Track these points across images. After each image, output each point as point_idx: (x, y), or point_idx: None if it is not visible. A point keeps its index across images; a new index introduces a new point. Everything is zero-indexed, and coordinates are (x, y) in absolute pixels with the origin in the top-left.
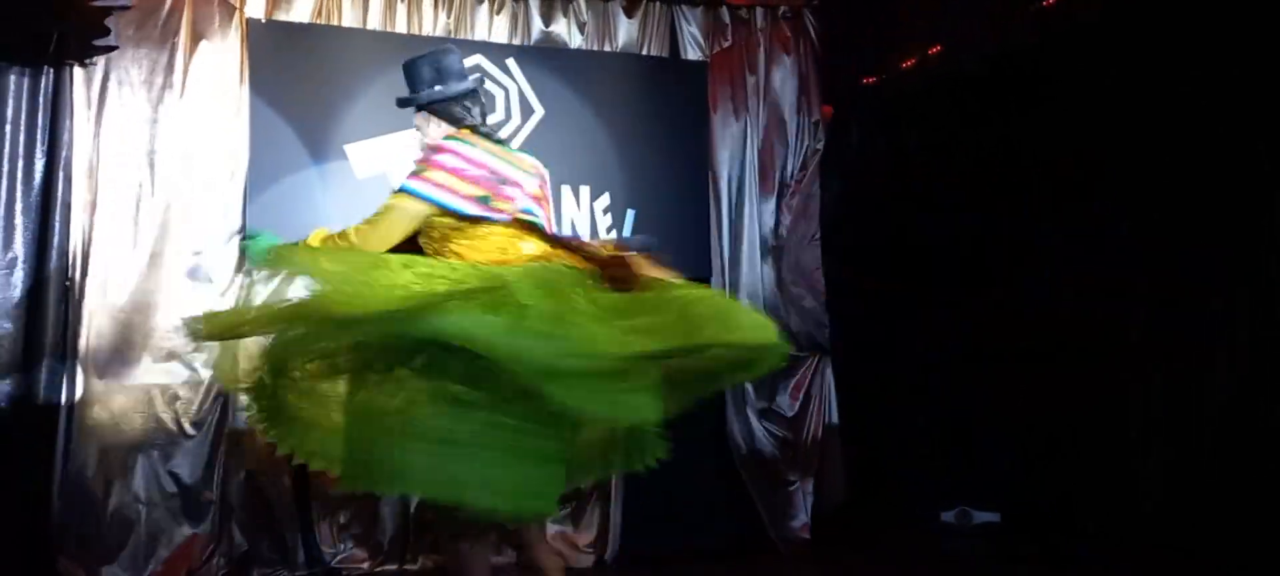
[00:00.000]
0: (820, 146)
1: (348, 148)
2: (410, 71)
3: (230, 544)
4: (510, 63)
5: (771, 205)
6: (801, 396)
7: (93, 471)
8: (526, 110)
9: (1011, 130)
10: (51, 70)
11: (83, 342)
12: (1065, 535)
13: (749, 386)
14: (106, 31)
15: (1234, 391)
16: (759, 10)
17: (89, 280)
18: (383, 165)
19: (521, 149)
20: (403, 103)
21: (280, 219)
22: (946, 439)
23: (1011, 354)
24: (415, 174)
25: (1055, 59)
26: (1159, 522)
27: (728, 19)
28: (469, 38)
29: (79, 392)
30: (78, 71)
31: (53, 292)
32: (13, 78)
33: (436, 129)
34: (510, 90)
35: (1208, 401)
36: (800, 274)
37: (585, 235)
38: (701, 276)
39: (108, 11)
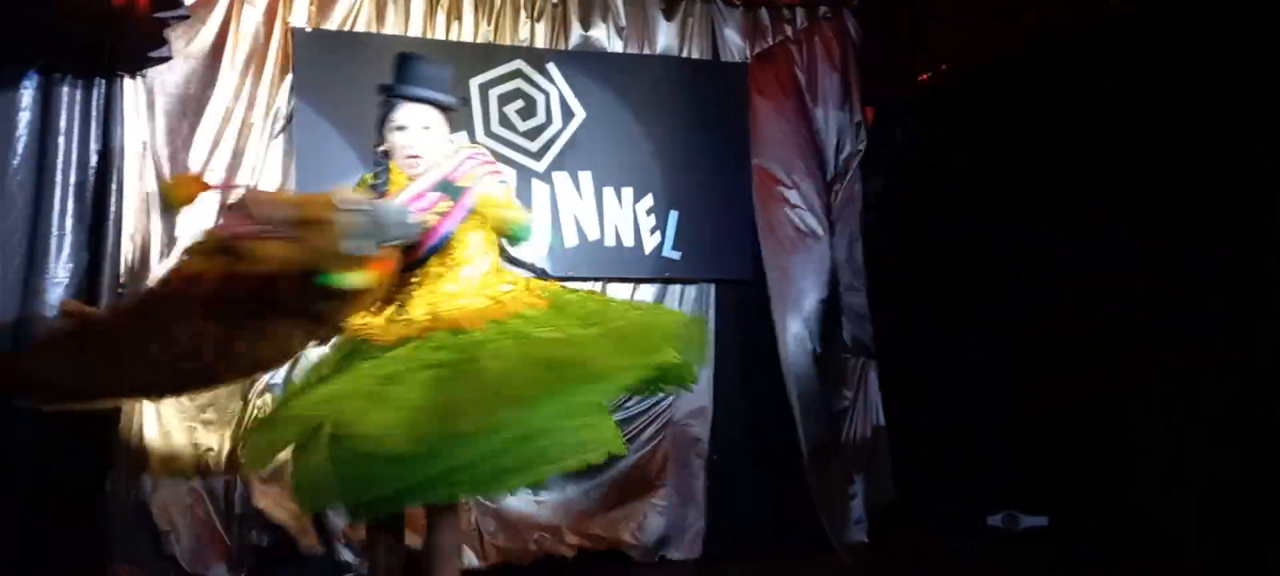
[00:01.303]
0: (862, 147)
1: None
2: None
3: (270, 544)
4: (550, 67)
5: (815, 206)
6: (851, 398)
7: (141, 477)
8: (567, 114)
9: (1054, 128)
10: (103, 81)
11: None
12: (1109, 539)
13: (815, 388)
14: (163, 42)
15: (1269, 393)
16: (799, 11)
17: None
18: None
19: (562, 152)
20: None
21: None
22: (993, 441)
23: (1059, 354)
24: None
25: (1084, 57)
26: (1190, 524)
27: (768, 20)
28: (508, 43)
29: (128, 400)
30: (128, 82)
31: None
32: (66, 89)
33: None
34: (551, 94)
35: (1242, 402)
36: (843, 275)
37: (629, 238)
38: (744, 278)
39: (165, 23)
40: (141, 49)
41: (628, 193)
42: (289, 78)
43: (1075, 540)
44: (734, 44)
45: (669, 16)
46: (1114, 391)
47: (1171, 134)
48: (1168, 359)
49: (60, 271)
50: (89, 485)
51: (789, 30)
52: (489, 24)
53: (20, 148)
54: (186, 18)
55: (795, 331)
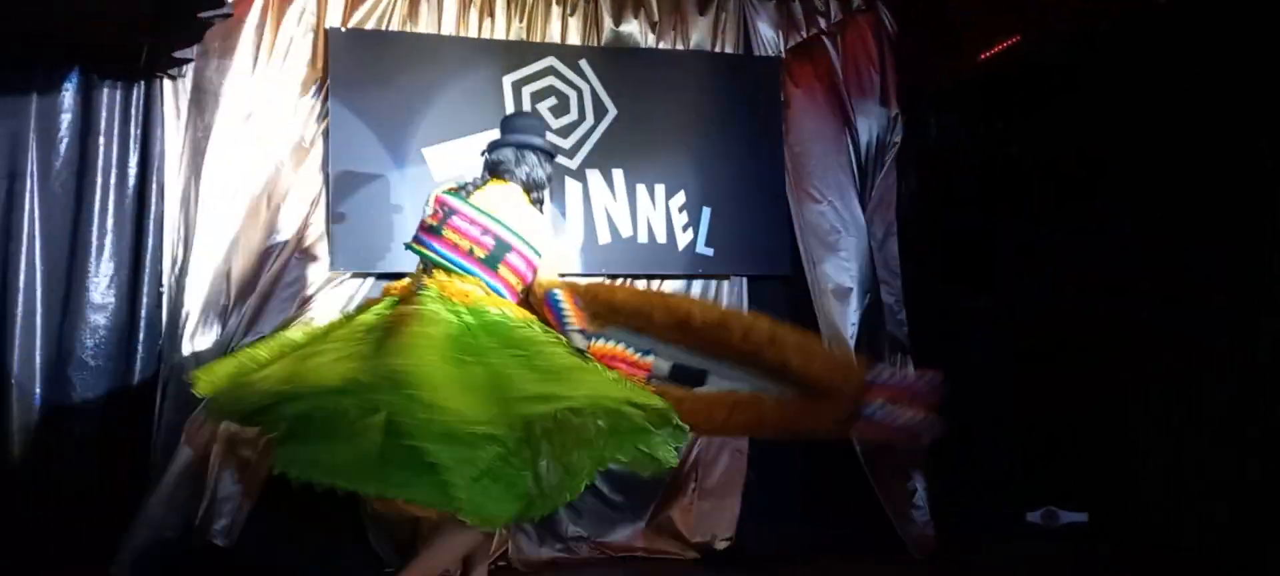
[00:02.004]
0: (897, 140)
1: (425, 151)
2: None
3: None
4: (583, 64)
5: (850, 201)
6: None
7: (186, 474)
8: (600, 111)
9: (1093, 122)
10: (142, 82)
11: (175, 350)
12: (1154, 536)
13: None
14: (198, 39)
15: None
16: (833, 3)
17: (181, 290)
18: (459, 168)
19: (595, 149)
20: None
21: (362, 222)
22: (1031, 437)
23: (1095, 351)
24: None
25: (1090, 55)
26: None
27: (801, 14)
28: (541, 40)
29: (171, 396)
30: (167, 83)
31: (147, 301)
32: (105, 90)
33: None
34: (583, 91)
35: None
36: (878, 271)
37: (661, 234)
38: (779, 274)
39: (209, 23)
40: (176, 49)
41: (660, 189)
42: (324, 76)
43: (1105, 539)
44: (768, 38)
45: (702, 11)
46: (1151, 391)
47: (1179, 132)
48: (1204, 359)
49: (102, 269)
50: (135, 480)
51: (823, 23)
52: (521, 21)
53: (62, 148)
54: (230, 16)
55: (835, 329)
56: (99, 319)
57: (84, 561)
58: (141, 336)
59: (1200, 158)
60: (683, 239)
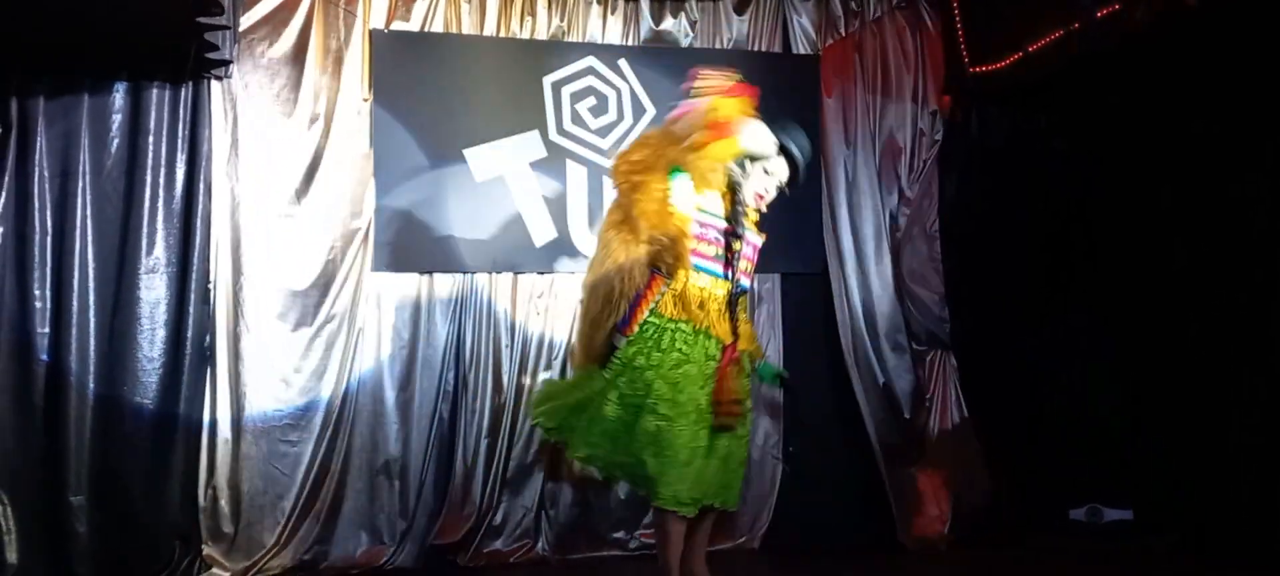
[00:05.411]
0: (938, 138)
1: (466, 152)
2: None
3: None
4: (622, 63)
5: (889, 199)
6: (930, 393)
7: (233, 464)
8: (638, 110)
9: (1136, 117)
10: (190, 83)
11: (222, 344)
12: (1199, 534)
13: (880, 383)
14: (215, 46)
15: None
16: (872, 0)
17: (227, 284)
18: (500, 168)
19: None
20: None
21: (405, 221)
22: (1075, 434)
23: (1139, 347)
24: None
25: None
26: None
27: (840, 11)
28: (582, 38)
29: (220, 391)
30: (215, 85)
31: (194, 295)
32: (154, 91)
33: None
34: (622, 90)
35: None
36: (919, 268)
37: None
38: (814, 273)
39: (219, 29)
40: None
41: None
42: (368, 77)
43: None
44: (806, 36)
45: (740, 10)
46: (1244, 386)
47: (1221, 127)
48: (1251, 356)
49: (151, 265)
50: (185, 469)
51: (861, 21)
52: (562, 20)
53: (113, 148)
54: (228, 28)
55: (859, 325)
56: (148, 314)
57: (141, 553)
58: (190, 332)
59: (1238, 154)
60: None
